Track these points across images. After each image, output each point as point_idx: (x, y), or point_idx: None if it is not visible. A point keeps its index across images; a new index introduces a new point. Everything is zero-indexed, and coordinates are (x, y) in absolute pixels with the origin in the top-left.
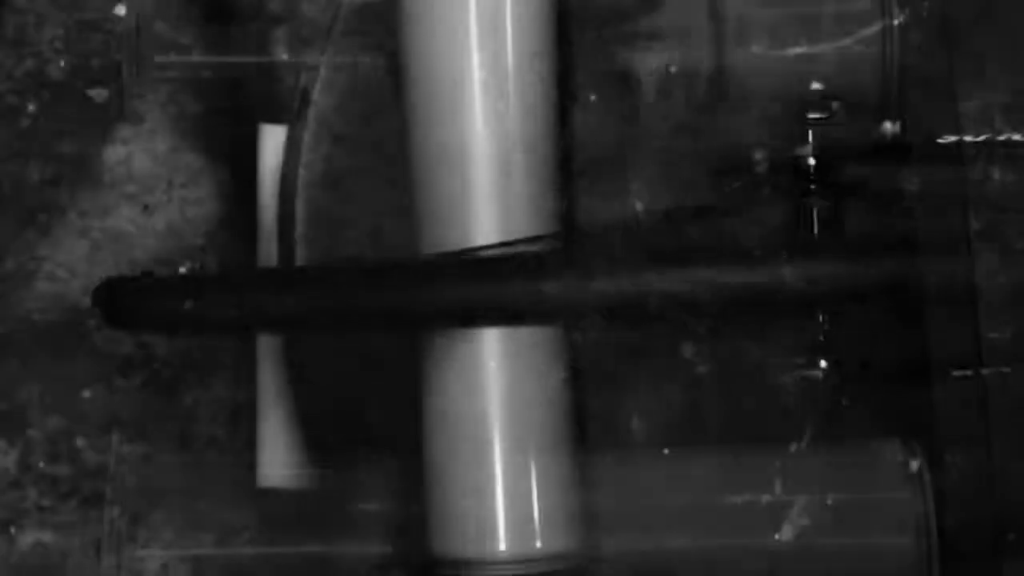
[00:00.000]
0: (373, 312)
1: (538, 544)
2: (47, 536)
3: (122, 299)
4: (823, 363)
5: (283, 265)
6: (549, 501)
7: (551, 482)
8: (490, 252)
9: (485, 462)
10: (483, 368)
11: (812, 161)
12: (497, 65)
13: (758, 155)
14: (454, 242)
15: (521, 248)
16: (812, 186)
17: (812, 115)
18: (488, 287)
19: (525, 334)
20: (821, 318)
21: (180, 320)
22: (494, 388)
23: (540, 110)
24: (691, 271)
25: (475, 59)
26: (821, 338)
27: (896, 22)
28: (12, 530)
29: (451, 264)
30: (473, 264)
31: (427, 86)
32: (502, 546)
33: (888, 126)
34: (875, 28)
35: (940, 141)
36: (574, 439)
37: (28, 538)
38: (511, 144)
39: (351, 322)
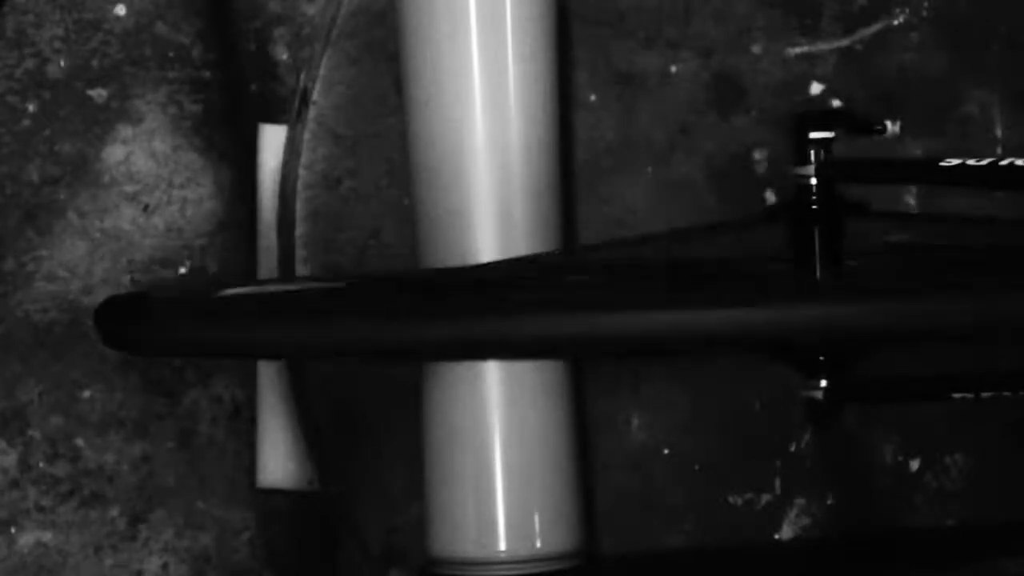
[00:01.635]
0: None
1: (538, 544)
2: (47, 536)
3: (125, 322)
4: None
5: (286, 270)
6: (549, 501)
7: (551, 482)
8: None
9: (486, 463)
10: (484, 367)
11: (814, 181)
12: (498, 74)
13: (757, 155)
14: (456, 255)
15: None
16: (813, 206)
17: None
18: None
19: None
20: None
21: (185, 348)
22: (495, 387)
23: (541, 119)
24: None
25: (476, 69)
26: None
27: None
28: (12, 530)
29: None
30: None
31: (427, 95)
32: (502, 546)
33: (888, 126)
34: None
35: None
36: (575, 439)
37: (28, 538)
38: (512, 156)
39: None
